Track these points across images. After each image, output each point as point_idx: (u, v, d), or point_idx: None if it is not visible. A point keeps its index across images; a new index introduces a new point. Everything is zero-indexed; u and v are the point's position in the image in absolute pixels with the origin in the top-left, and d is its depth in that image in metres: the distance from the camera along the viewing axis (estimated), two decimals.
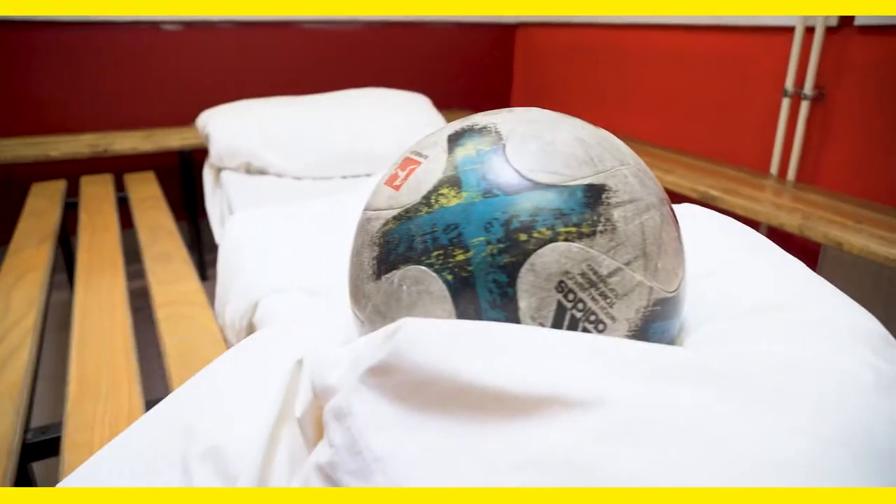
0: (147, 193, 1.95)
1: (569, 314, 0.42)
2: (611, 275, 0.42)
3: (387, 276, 0.45)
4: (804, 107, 1.70)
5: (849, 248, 1.30)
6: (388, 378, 0.38)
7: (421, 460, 0.35)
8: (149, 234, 1.60)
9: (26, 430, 0.89)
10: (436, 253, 0.43)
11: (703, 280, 0.54)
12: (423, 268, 0.43)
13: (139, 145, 2.19)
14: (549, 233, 0.41)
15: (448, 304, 0.42)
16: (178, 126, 2.49)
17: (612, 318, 0.43)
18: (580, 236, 0.42)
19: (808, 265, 0.56)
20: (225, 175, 1.88)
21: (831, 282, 1.68)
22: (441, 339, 0.38)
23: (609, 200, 0.43)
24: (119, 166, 2.36)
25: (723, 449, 0.33)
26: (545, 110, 0.51)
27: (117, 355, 1.02)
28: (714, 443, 0.33)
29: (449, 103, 2.99)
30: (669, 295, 0.45)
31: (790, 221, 1.42)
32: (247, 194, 1.75)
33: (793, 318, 0.45)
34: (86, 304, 1.21)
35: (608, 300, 0.42)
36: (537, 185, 0.43)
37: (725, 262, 0.55)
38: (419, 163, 0.47)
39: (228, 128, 1.87)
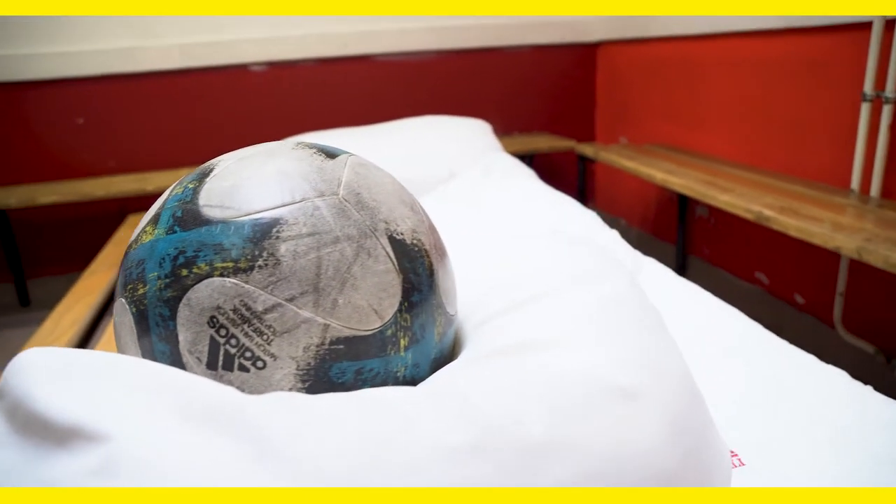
0: None
1: (223, 350, 0.41)
2: (267, 311, 0.41)
3: (113, 305, 0.48)
4: (886, 111, 1.48)
5: None
6: (2, 401, 0.40)
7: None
8: None
9: None
10: (129, 286, 0.45)
11: (503, 315, 0.49)
12: (123, 300, 0.46)
13: None
14: (206, 268, 0.42)
15: (134, 335, 0.44)
16: None
17: (272, 356, 0.41)
18: (236, 271, 0.41)
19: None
20: None
21: None
22: (31, 366, 0.39)
23: (279, 234, 0.42)
24: None
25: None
26: (287, 142, 0.50)
27: None
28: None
29: (530, 127, 2.96)
30: (362, 333, 0.42)
31: (847, 244, 1.23)
32: None
33: (528, 361, 0.43)
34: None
35: (265, 337, 0.41)
36: (209, 221, 0.43)
37: (539, 294, 0.49)
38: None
39: None
